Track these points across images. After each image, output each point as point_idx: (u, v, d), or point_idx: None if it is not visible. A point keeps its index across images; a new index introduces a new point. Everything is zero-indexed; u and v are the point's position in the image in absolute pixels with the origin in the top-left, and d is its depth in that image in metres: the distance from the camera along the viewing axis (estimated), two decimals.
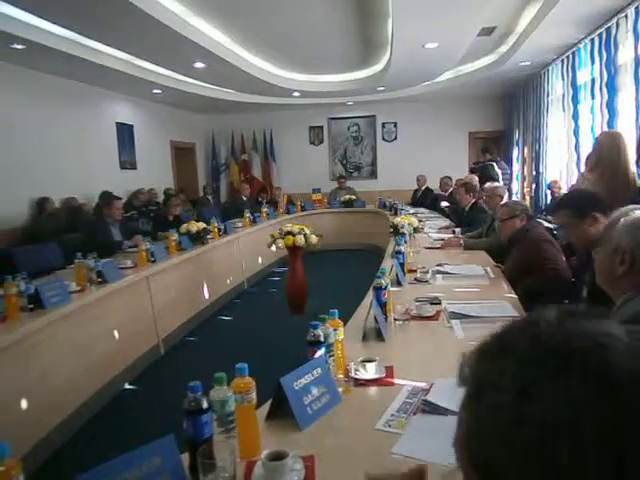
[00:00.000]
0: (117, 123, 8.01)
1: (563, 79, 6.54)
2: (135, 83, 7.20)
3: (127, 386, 3.68)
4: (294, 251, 4.88)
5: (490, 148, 8.21)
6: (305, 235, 4.77)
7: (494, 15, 5.39)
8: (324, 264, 7.13)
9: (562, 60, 6.52)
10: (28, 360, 2.77)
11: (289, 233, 4.77)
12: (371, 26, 5.84)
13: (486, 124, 10.51)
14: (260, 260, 7.00)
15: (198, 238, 5.16)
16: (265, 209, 7.63)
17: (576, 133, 6.00)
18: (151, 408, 3.33)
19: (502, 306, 2.36)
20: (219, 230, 5.76)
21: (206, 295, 5.28)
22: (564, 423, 0.42)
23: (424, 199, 8.63)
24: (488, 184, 5.13)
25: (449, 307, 2.39)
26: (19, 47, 5.19)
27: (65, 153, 6.69)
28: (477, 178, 6.54)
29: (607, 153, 3.02)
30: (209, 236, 5.39)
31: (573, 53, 6.10)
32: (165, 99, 8.80)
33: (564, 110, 6.50)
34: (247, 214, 6.91)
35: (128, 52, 6.00)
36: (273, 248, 5.08)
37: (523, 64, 7.10)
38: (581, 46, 5.84)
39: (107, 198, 5.28)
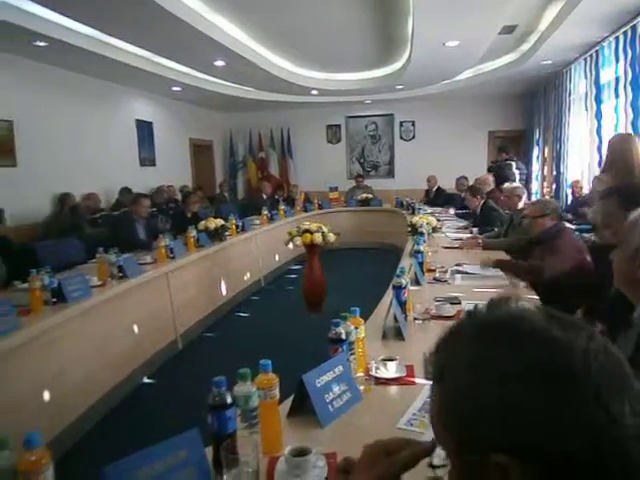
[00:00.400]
0: (137, 120, 8.10)
1: (586, 78, 6.43)
2: (155, 80, 7.27)
3: (145, 380, 3.72)
4: (312, 249, 4.89)
5: (507, 147, 8.13)
6: (323, 233, 4.78)
7: (516, 13, 5.32)
8: (341, 262, 7.13)
9: (585, 59, 6.42)
10: (50, 353, 2.82)
11: (307, 231, 4.78)
12: (391, 24, 5.81)
13: (506, 123, 10.40)
14: (277, 257, 7.03)
15: (216, 235, 5.19)
16: (283, 207, 7.65)
17: (599, 133, 5.90)
18: (169, 402, 3.37)
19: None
20: (237, 227, 5.80)
21: (223, 291, 5.32)
22: (511, 375, 0.53)
23: (437, 199, 8.57)
24: (507, 184, 5.08)
25: (469, 307, 2.36)
26: (41, 44, 5.26)
27: (86, 149, 6.78)
28: (491, 178, 6.49)
29: (620, 154, 3.12)
30: (227, 233, 5.42)
31: (596, 51, 5.99)
32: (184, 97, 8.87)
33: (587, 109, 6.40)
34: (265, 211, 6.93)
35: (148, 49, 6.06)
36: (290, 246, 5.10)
37: (545, 63, 7.00)
38: (605, 44, 5.74)
39: (136, 196, 5.34)
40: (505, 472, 0.53)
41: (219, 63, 6.53)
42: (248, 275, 6.05)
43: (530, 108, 9.71)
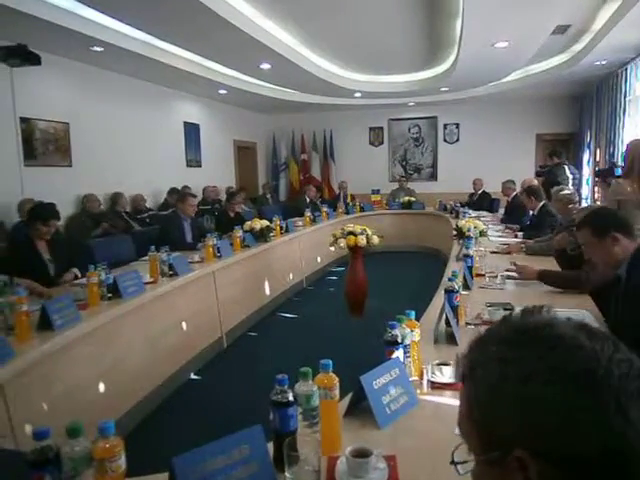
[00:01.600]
0: (185, 122, 8.32)
1: None
2: (203, 84, 7.45)
3: (192, 376, 3.81)
4: (355, 251, 4.88)
5: (558, 152, 7.89)
6: (367, 236, 4.77)
7: (570, 13, 5.17)
8: (382, 265, 7.09)
9: None
10: (106, 346, 2.92)
11: (351, 233, 4.78)
12: (439, 25, 5.75)
13: (555, 125, 10.11)
14: (319, 259, 7.06)
15: (261, 235, 5.26)
16: (325, 209, 7.68)
17: None
18: (214, 400, 3.43)
19: (582, 315, 2.26)
20: (281, 228, 5.86)
21: (267, 291, 5.38)
22: (542, 373, 0.57)
23: (480, 203, 8.41)
24: (557, 188, 4.94)
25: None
26: (98, 49, 5.48)
27: (136, 151, 7.01)
28: (535, 181, 6.35)
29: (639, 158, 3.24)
30: (272, 234, 5.48)
31: None
32: (230, 99, 9.04)
33: None
34: (307, 213, 6.98)
35: (199, 54, 6.21)
36: (333, 248, 5.11)
37: (598, 63, 6.78)
38: None
39: (182, 194, 5.46)
40: (524, 469, 0.56)
41: (265, 66, 6.62)
42: (291, 276, 6.10)
43: (580, 110, 9.41)
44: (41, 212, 3.60)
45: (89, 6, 4.43)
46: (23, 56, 4.61)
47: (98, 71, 6.32)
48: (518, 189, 7.01)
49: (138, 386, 3.17)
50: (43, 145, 5.59)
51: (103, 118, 6.44)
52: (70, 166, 5.95)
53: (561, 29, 5.78)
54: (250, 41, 5.31)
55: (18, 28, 4.53)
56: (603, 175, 5.15)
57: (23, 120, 5.31)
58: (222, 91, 8.21)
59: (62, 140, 5.85)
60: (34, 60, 4.68)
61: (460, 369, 0.68)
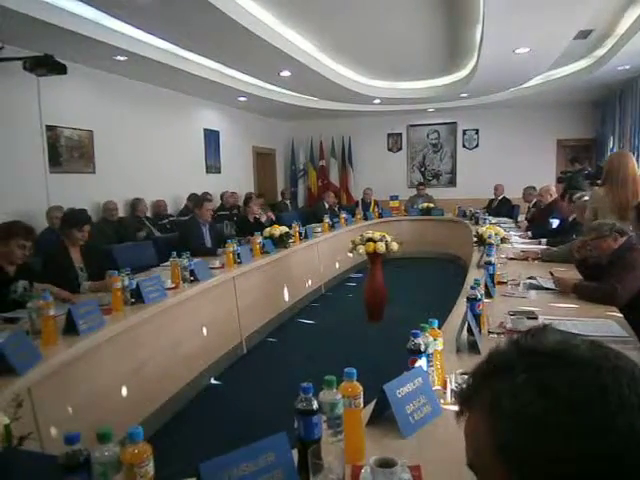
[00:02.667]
0: (205, 129, 8.41)
1: None
2: (223, 91, 7.53)
3: (213, 381, 3.83)
4: (374, 258, 4.87)
5: (580, 158, 7.80)
6: (386, 242, 4.76)
7: (592, 17, 5.10)
8: (401, 272, 7.07)
9: None
10: (128, 351, 2.96)
11: (370, 240, 4.77)
12: (459, 31, 5.73)
13: (576, 131, 9.98)
14: (337, 265, 7.06)
15: (281, 242, 5.29)
16: (343, 215, 7.68)
17: None
18: (235, 405, 3.45)
19: (608, 325, 2.22)
20: (300, 235, 5.88)
21: (286, 297, 5.40)
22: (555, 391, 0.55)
23: (500, 209, 8.32)
24: (577, 195, 4.87)
25: (547, 323, 2.28)
26: (121, 58, 5.59)
27: (157, 157, 7.11)
28: (554, 188, 6.29)
29: (617, 168, 3.59)
30: (291, 240, 5.50)
31: None
32: (249, 106, 9.12)
33: None
34: (326, 220, 6.99)
35: (220, 62, 6.29)
36: (351, 254, 5.11)
37: (621, 68, 6.68)
38: None
39: (199, 199, 5.52)
40: None
41: (285, 73, 6.67)
42: (309, 282, 6.11)
43: (603, 115, 9.27)
44: (75, 218, 3.66)
45: (114, 17, 4.53)
46: (50, 66, 4.71)
47: (121, 79, 6.44)
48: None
49: (159, 391, 3.20)
50: (68, 152, 5.71)
51: (125, 125, 6.55)
52: (94, 173, 6.06)
53: (583, 34, 5.72)
54: (271, 49, 5.36)
55: (45, 39, 4.65)
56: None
57: (49, 128, 5.43)
58: (242, 98, 8.29)
59: (86, 147, 5.96)
60: (60, 70, 4.78)
61: (469, 400, 0.64)
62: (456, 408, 0.68)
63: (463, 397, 0.66)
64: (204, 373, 3.75)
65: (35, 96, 5.21)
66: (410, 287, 6.44)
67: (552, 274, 3.15)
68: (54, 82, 5.17)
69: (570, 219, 5.06)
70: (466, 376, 1.67)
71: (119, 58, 5.57)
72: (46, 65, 4.71)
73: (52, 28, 4.36)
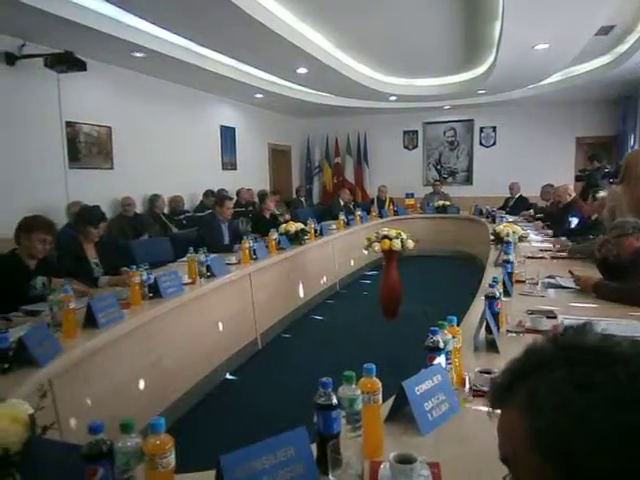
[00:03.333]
0: (221, 126, 8.45)
1: None
2: (239, 88, 7.56)
3: (228, 376, 3.86)
4: (390, 255, 4.86)
5: (599, 155, 7.67)
6: (402, 240, 4.74)
7: (614, 13, 5.02)
8: (417, 269, 7.03)
9: None
10: (146, 345, 2.99)
11: (386, 237, 4.76)
12: (477, 27, 5.68)
13: (595, 129, 9.83)
14: (352, 263, 7.05)
15: (296, 238, 5.30)
16: (359, 212, 7.67)
17: None
18: (250, 399, 3.47)
19: (634, 326, 2.18)
20: (315, 231, 5.88)
21: (301, 294, 5.41)
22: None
23: (516, 208, 8.23)
24: (595, 190, 4.81)
25: (567, 322, 2.26)
26: (139, 55, 5.63)
27: (174, 154, 7.16)
28: (572, 186, 6.20)
29: (635, 165, 3.50)
30: (306, 237, 5.51)
31: None
32: (265, 103, 9.15)
33: None
34: (342, 217, 6.98)
35: (237, 58, 6.30)
36: (367, 252, 5.10)
37: None
38: None
39: (221, 197, 5.55)
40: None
41: (301, 70, 6.67)
42: (324, 279, 6.12)
43: (623, 113, 9.11)
44: (91, 215, 3.71)
45: (134, 14, 4.57)
46: (70, 63, 4.78)
47: (138, 76, 6.49)
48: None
49: (176, 384, 3.23)
50: (86, 148, 5.78)
51: (143, 121, 6.61)
52: (112, 168, 6.13)
53: (605, 30, 5.63)
54: (287, 46, 5.37)
55: (65, 36, 4.71)
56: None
57: (68, 124, 5.50)
58: (258, 95, 8.31)
59: (104, 144, 6.03)
60: (80, 66, 4.84)
61: (504, 396, 0.64)
62: (486, 405, 0.68)
63: (497, 393, 0.66)
64: (220, 368, 3.78)
65: (55, 92, 5.29)
66: (425, 285, 6.40)
67: (572, 273, 3.12)
68: (74, 79, 5.23)
69: (593, 218, 4.98)
70: (486, 374, 1.67)
71: (137, 55, 5.61)
72: (66, 62, 4.77)
73: (72, 25, 4.41)
